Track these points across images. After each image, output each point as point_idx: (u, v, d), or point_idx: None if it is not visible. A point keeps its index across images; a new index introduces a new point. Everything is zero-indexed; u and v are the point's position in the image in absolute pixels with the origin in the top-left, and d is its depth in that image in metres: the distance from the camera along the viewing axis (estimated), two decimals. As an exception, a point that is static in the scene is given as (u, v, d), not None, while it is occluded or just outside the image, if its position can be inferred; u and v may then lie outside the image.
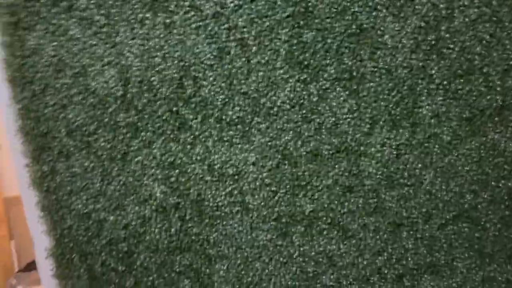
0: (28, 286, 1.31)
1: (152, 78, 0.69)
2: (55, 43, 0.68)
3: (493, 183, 0.76)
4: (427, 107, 0.72)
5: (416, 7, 0.68)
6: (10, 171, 1.44)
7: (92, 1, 0.66)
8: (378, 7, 0.68)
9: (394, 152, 0.73)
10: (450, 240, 0.78)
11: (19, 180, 0.76)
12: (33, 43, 0.68)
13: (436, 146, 0.74)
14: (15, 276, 1.34)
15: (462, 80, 0.71)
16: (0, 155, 1.40)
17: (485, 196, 0.76)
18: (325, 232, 0.77)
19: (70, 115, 0.70)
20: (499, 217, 0.77)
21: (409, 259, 0.78)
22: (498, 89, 0.71)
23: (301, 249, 0.77)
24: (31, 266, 1.38)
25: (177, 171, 0.73)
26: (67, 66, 0.69)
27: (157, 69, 0.69)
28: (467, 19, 0.68)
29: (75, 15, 0.67)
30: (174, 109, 0.71)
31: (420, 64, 0.70)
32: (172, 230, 0.75)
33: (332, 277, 0.79)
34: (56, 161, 0.72)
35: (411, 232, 0.77)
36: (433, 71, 0.70)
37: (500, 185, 0.76)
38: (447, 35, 0.69)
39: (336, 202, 0.75)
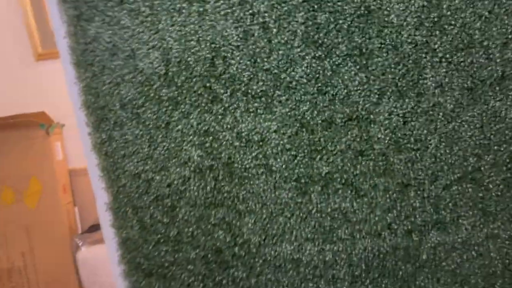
0: (89, 245, 1.51)
1: (189, 59, 0.82)
2: (110, 32, 0.82)
3: (495, 147, 0.82)
4: (431, 78, 0.79)
5: (419, -12, 0.76)
6: (73, 147, 1.63)
7: (138, -5, 0.79)
8: (384, -11, 0.76)
9: (401, 120, 0.82)
10: (455, 200, 0.86)
11: (83, 146, 0.91)
12: (92, 32, 0.82)
13: (440, 114, 0.81)
14: (79, 236, 1.55)
15: (463, 53, 0.78)
16: (65, 133, 1.59)
17: (488, 159, 0.83)
18: (339, 191, 0.87)
19: (122, 91, 0.85)
20: (501, 178, 0.84)
21: (417, 216, 0.87)
22: (498, 60, 0.78)
23: (319, 206, 0.88)
24: (91, 229, 1.58)
25: (210, 138, 0.86)
26: (120, 50, 0.83)
27: (192, 50, 0.81)
28: (467, -3, 0.75)
29: (125, 8, 0.80)
30: (207, 84, 0.83)
31: (424, 39, 0.78)
32: (208, 188, 0.88)
33: (346, 231, 0.89)
34: (112, 129, 0.87)
35: (418, 192, 0.86)
36: (436, 46, 0.78)
37: (502, 149, 0.82)
38: (449, 13, 0.76)
39: (349, 164, 0.85)
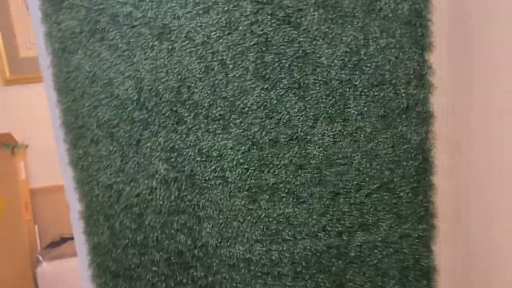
0: (49, 260, 1.57)
1: (159, 87, 0.98)
2: (90, 63, 0.96)
3: (403, 162, 1.04)
4: (353, 107, 1.01)
5: (343, 38, 0.97)
6: (35, 167, 1.70)
7: (117, 34, 0.95)
8: (316, 38, 0.97)
9: (332, 140, 1.02)
10: (375, 205, 1.06)
11: (60, 160, 1.03)
12: (75, 62, 0.96)
13: (362, 135, 1.02)
14: (39, 252, 1.60)
15: (377, 88, 1.00)
16: (29, 154, 1.67)
17: (399, 172, 1.05)
18: (284, 199, 1.05)
19: (99, 113, 0.98)
20: (410, 187, 1.05)
21: (346, 219, 1.06)
22: (403, 95, 1.01)
23: (266, 211, 1.05)
24: (50, 246, 1.64)
25: (175, 153, 1.01)
26: (99, 78, 0.97)
27: (162, 80, 0.98)
28: (378, 46, 0.98)
29: (105, 43, 0.95)
30: (174, 108, 0.99)
31: (348, 77, 0.99)
32: (172, 197, 1.03)
33: (289, 233, 1.06)
34: (89, 146, 1.00)
35: (347, 199, 1.05)
36: (357, 82, 0.99)
37: (409, 164, 1.04)
38: (365, 57, 0.98)
39: (291, 176, 1.03)
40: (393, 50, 0.98)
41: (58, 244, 1.66)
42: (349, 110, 1.00)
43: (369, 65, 0.98)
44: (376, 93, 1.00)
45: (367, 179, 1.04)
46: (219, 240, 1.05)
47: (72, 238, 1.65)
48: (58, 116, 0.99)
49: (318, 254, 1.07)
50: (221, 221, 1.04)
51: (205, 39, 0.96)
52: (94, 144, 1.00)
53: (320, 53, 0.97)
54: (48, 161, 1.65)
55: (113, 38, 0.95)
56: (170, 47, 0.96)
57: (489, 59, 1.00)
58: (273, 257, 1.07)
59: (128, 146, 1.00)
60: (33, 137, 1.61)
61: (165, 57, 0.96)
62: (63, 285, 1.49)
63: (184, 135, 1.00)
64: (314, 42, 0.97)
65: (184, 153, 1.00)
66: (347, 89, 0.99)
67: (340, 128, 1.01)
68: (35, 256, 1.54)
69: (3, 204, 1.51)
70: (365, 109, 1.00)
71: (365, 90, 1.00)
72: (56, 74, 0.97)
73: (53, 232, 1.66)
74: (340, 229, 1.06)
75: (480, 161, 1.06)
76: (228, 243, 1.06)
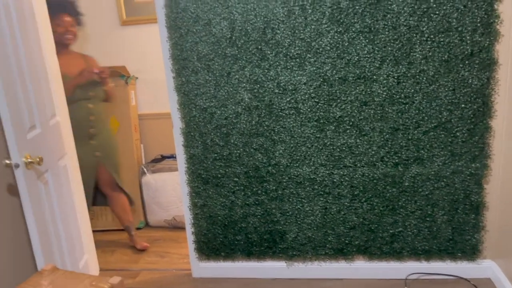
0: (152, 172, 1.91)
1: (248, 28, 1.16)
2: (194, 5, 1.17)
3: (462, 105, 1.13)
4: (419, 52, 1.11)
5: (414, -14, 1.06)
6: (143, 96, 2.02)
7: (217, -19, 1.14)
8: (389, -14, 1.07)
9: (395, 81, 1.14)
10: (431, 142, 1.18)
11: (167, 86, 1.28)
12: (182, 5, 1.18)
13: (424, 78, 1.13)
14: (144, 165, 1.95)
15: (443, 35, 1.09)
16: (138, 85, 1.98)
17: (457, 113, 1.14)
18: (347, 131, 1.21)
19: (199, 48, 1.20)
20: (466, 128, 1.15)
21: (403, 152, 1.20)
22: (468, 42, 1.08)
23: (332, 140, 1.22)
24: (152, 161, 1.98)
25: (258, 85, 1.21)
26: (200, 18, 1.18)
27: (250, 22, 1.16)
28: (448, -5, 1.06)
29: (207, -11, 1.15)
30: (259, 47, 1.17)
31: (416, 23, 1.09)
32: (253, 122, 1.24)
33: (350, 160, 1.23)
34: (190, 75, 1.23)
35: (405, 135, 1.18)
36: (424, 29, 1.09)
37: (467, 107, 1.13)
38: (434, 5, 1.07)
39: (356, 111, 1.18)
40: (462, -1, 1.05)
41: (159, 160, 2.00)
42: (414, 54, 1.11)
43: (437, 12, 1.07)
44: (441, 39, 1.09)
45: (425, 118, 1.15)
46: (290, 160, 1.26)
47: (169, 157, 1.96)
48: (167, 50, 1.23)
49: (374, 181, 1.23)
50: (292, 145, 1.24)
51: (289, -14, 1.11)
52: (194, 74, 1.22)
53: (391, 0, 1.08)
54: (152, 92, 1.96)
55: (213, -15, 1.14)
56: (259, -7, 1.13)
57: None
58: (335, 180, 1.25)
59: (220, 77, 1.21)
60: (142, 71, 1.92)
61: (255, 2, 1.14)
62: (161, 192, 1.83)
63: (266, 70, 1.18)
64: (386, -10, 1.07)
65: (265, 85, 1.20)
66: (414, 35, 1.09)
67: (404, 70, 1.12)
68: (141, 168, 1.89)
69: (119, 125, 1.87)
70: (430, 53, 1.10)
71: (431, 36, 1.09)
72: (168, 14, 1.19)
73: (155, 151, 2.00)
74: (396, 160, 1.20)
75: (542, 110, 1.11)
76: (297, 164, 1.26)
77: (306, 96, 1.19)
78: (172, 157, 1.97)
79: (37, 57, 1.19)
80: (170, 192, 1.87)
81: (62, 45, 1.60)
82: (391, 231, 1.27)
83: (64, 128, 1.35)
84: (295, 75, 1.18)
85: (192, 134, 1.28)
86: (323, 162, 1.24)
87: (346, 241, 1.30)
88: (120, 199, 1.69)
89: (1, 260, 1.00)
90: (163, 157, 2.01)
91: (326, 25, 1.12)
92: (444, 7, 1.07)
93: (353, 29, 1.12)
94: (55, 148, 1.24)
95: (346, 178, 1.24)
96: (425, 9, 1.07)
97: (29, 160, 1.04)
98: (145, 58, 1.97)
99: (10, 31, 1.05)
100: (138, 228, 1.90)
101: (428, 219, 1.24)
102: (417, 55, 1.11)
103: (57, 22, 1.58)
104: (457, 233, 1.24)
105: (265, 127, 1.24)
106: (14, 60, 1.06)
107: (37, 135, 1.13)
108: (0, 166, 1.02)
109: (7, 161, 1.00)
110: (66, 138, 1.36)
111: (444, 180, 1.20)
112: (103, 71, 1.56)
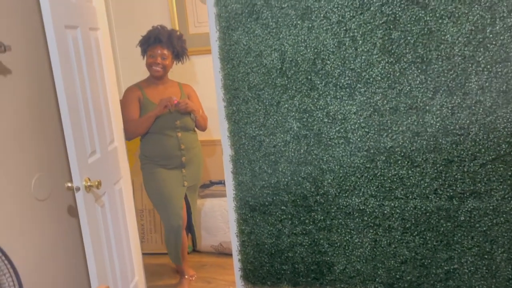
0: (201, 198, 1.96)
1: (298, 59, 1.19)
2: (247, 38, 1.21)
3: (523, 137, 1.08)
4: (474, 82, 1.08)
5: (469, 17, 1.04)
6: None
7: (269, 15, 1.18)
8: (443, 16, 1.06)
9: (450, 111, 1.11)
10: (489, 175, 1.12)
11: (219, 114, 1.32)
12: (235, 37, 1.22)
13: (481, 109, 1.09)
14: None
15: (501, 65, 1.05)
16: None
17: (517, 146, 1.09)
18: (399, 162, 1.18)
19: (250, 79, 1.24)
20: (527, 162, 1.09)
21: (458, 185, 1.15)
22: (528, 72, 1.04)
23: (382, 171, 1.20)
24: (201, 186, 2.03)
25: (307, 114, 1.22)
26: (252, 50, 1.22)
27: (301, 53, 1.18)
28: (505, 25, 1.03)
29: (259, 22, 1.19)
30: (309, 77, 1.19)
31: (471, 53, 1.06)
32: (301, 150, 1.24)
33: (402, 192, 1.20)
34: (240, 104, 1.27)
35: (460, 167, 1.14)
36: (480, 59, 1.06)
37: (529, 139, 1.08)
38: (491, 35, 1.04)
39: (407, 142, 1.16)
40: (521, 28, 1.02)
41: (207, 186, 2.05)
42: (470, 84, 1.08)
43: (494, 42, 1.04)
44: (499, 69, 1.05)
45: (482, 150, 1.11)
46: (338, 190, 1.24)
47: (218, 183, 2.01)
48: (220, 80, 1.28)
49: (427, 214, 1.19)
50: (341, 174, 1.23)
51: (340, 18, 1.13)
52: (244, 103, 1.26)
53: (445, 30, 1.07)
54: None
55: (265, 18, 1.18)
56: (310, 25, 1.16)
57: None
58: (385, 212, 1.22)
59: (270, 106, 1.24)
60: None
61: (305, 34, 1.16)
62: (210, 217, 1.87)
63: (315, 100, 1.20)
64: (440, 21, 1.06)
65: (314, 114, 1.21)
66: (470, 65, 1.07)
67: (459, 100, 1.09)
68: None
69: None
70: (487, 84, 1.07)
71: (488, 66, 1.06)
72: (221, 46, 1.24)
73: (204, 176, 2.06)
74: (451, 193, 1.16)
75: None
76: (346, 194, 1.24)
77: (356, 126, 1.18)
78: (221, 183, 2.01)
79: (100, 87, 1.27)
80: (217, 218, 1.90)
81: (154, 76, 1.68)
82: (445, 268, 1.21)
83: (121, 153, 1.42)
84: (345, 104, 1.18)
85: (241, 161, 1.31)
86: (373, 193, 1.22)
87: (397, 276, 1.26)
88: (184, 243, 1.69)
89: (58, 278, 1.05)
90: (212, 183, 2.06)
91: (377, 56, 1.13)
92: (502, 37, 1.04)
93: (404, 60, 1.11)
94: (112, 172, 1.31)
95: (397, 210, 1.21)
96: (480, 39, 1.05)
97: (89, 183, 1.10)
98: (196, 88, 2.05)
99: (78, 64, 1.14)
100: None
101: (486, 256, 1.17)
102: (473, 85, 1.08)
103: (151, 52, 1.67)
104: (519, 273, 1.16)
105: (314, 156, 1.24)
106: (80, 91, 1.14)
107: (97, 160, 1.20)
108: (63, 188, 1.08)
109: (69, 184, 1.07)
110: (122, 162, 1.43)
111: (504, 215, 1.14)
112: (180, 102, 1.60)
